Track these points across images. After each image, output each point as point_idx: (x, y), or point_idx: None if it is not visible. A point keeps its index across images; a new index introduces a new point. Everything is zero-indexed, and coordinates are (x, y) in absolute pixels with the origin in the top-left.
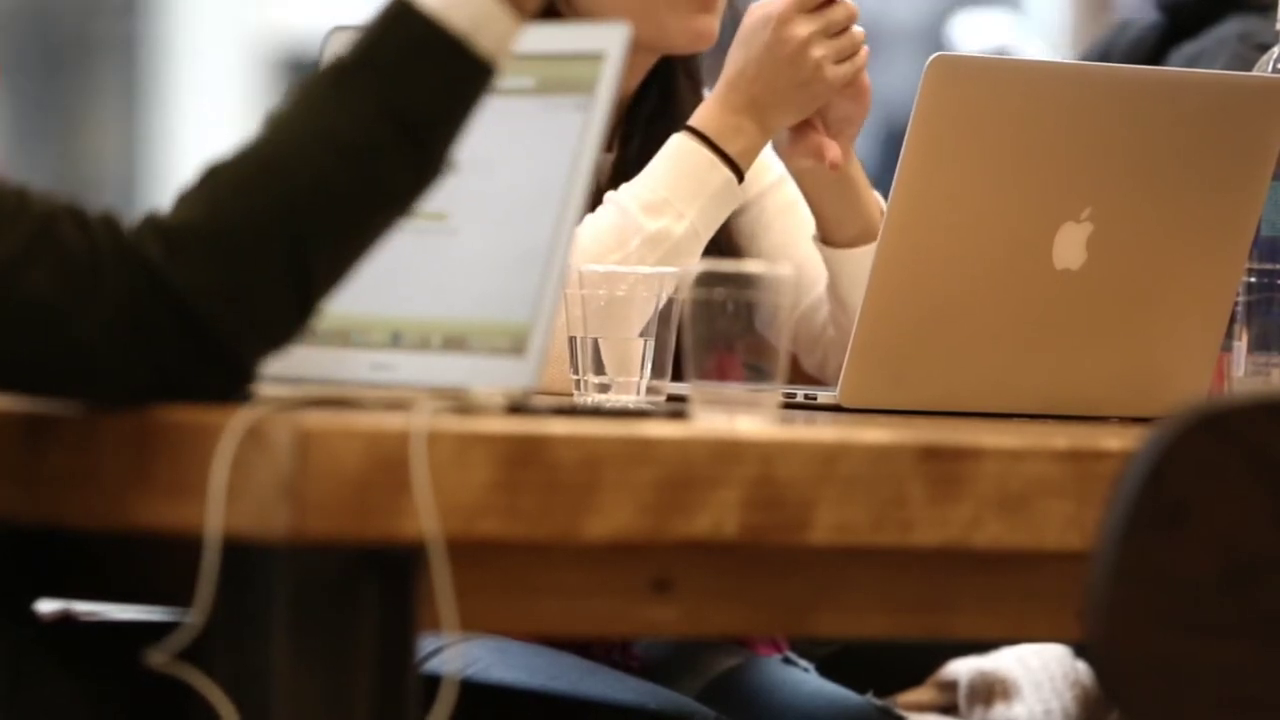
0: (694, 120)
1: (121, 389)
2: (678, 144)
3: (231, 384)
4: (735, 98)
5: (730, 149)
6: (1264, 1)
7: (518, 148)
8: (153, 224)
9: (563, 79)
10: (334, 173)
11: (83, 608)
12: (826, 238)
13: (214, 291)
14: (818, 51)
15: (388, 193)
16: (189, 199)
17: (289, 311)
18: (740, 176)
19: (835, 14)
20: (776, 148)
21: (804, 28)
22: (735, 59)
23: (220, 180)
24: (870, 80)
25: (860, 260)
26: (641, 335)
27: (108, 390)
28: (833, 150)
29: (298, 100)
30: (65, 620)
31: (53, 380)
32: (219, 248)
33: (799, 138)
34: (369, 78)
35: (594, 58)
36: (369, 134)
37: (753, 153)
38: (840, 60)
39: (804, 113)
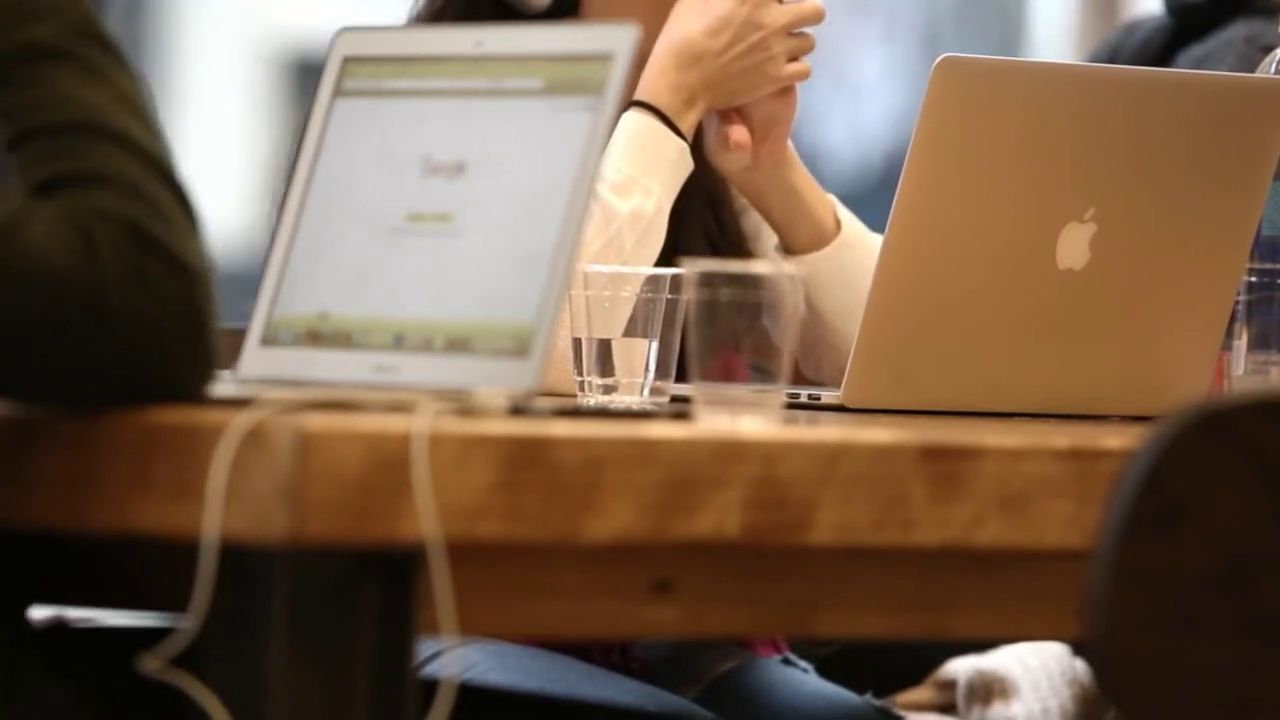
0: (646, 94)
1: (133, 329)
2: (634, 122)
3: (202, 293)
4: (688, 72)
5: (683, 126)
6: (1273, 4)
7: (524, 149)
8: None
9: (570, 80)
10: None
11: (76, 614)
12: (784, 245)
13: (152, 212)
14: (777, 45)
15: (117, 70)
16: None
17: (191, 220)
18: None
19: (806, 10)
20: (707, 150)
21: (778, 17)
22: (691, 25)
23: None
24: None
25: (815, 265)
26: (646, 336)
27: (120, 331)
28: (736, 132)
29: None
30: (59, 626)
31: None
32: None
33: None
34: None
35: (602, 59)
36: (68, 46)
37: (696, 126)
38: (790, 60)
39: (739, 99)
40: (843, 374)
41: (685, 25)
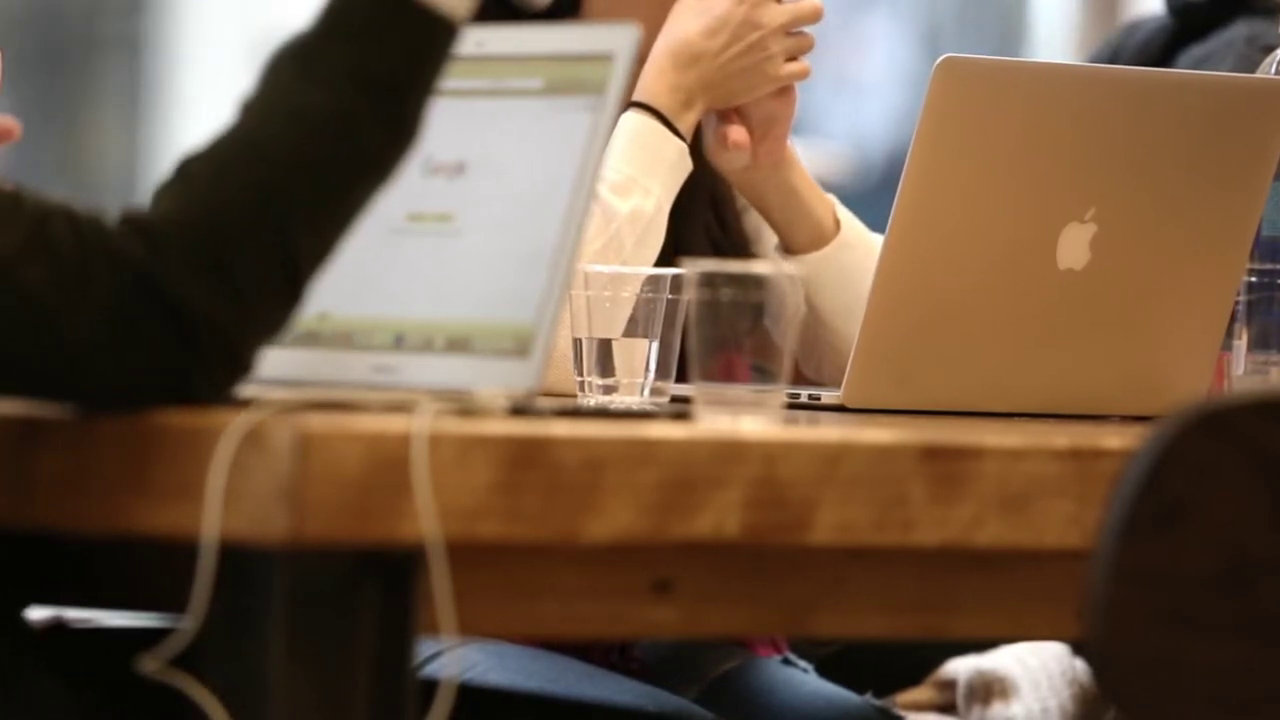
0: (644, 95)
1: (115, 390)
2: (633, 122)
3: (228, 377)
4: (687, 73)
5: (681, 126)
6: (1273, 4)
7: (525, 149)
8: (133, 221)
9: (571, 80)
10: (309, 148)
11: (75, 614)
12: (784, 245)
13: (202, 284)
14: (776, 45)
15: (365, 162)
16: (166, 193)
17: (280, 296)
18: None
19: (804, 10)
20: (706, 150)
21: (776, 16)
22: (689, 26)
23: (195, 170)
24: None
25: (814, 265)
26: (646, 336)
27: (100, 392)
28: (735, 132)
29: (266, 79)
30: (57, 627)
31: (45, 382)
32: (201, 238)
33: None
34: (335, 47)
35: (603, 59)
36: (340, 105)
37: (695, 126)
38: (789, 59)
39: (738, 99)
40: (843, 374)
41: (683, 26)
